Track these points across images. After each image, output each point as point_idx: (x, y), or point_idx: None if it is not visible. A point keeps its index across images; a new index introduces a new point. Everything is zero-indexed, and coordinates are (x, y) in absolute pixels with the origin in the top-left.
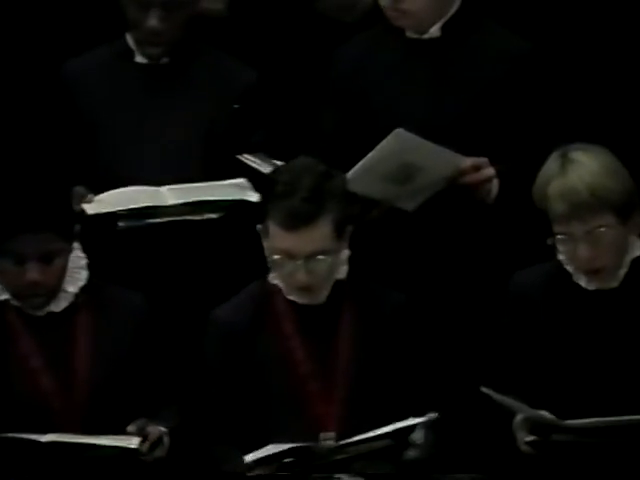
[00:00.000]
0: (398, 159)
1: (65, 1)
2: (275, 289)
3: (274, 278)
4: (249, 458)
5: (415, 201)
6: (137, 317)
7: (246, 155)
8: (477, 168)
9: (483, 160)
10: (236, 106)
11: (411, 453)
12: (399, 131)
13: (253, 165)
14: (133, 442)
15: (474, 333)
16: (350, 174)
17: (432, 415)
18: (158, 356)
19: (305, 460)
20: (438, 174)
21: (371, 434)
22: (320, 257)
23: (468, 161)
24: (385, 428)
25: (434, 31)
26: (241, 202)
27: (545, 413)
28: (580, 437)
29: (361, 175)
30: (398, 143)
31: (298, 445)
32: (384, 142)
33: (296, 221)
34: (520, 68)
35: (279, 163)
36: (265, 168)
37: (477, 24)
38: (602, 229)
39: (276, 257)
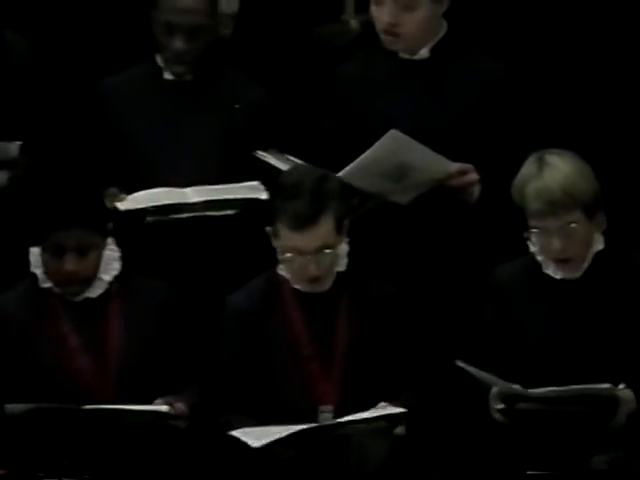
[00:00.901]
0: (393, 159)
1: (103, 25)
2: (282, 279)
3: (282, 270)
4: (256, 445)
5: (408, 196)
6: (162, 303)
7: (261, 152)
8: (463, 173)
9: (469, 166)
10: (237, 106)
11: (399, 430)
12: (394, 132)
13: (269, 161)
14: (163, 408)
15: (457, 319)
16: (347, 169)
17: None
18: (181, 337)
19: (310, 434)
20: (429, 175)
21: (366, 415)
22: (326, 251)
23: (456, 166)
24: (377, 412)
25: (423, 53)
26: (254, 201)
27: (513, 384)
28: (542, 405)
29: (357, 170)
30: (393, 143)
31: (300, 428)
32: (380, 141)
33: (302, 222)
34: (497, 88)
35: (292, 158)
36: (281, 165)
37: (461, 48)
38: (573, 224)
39: (288, 255)
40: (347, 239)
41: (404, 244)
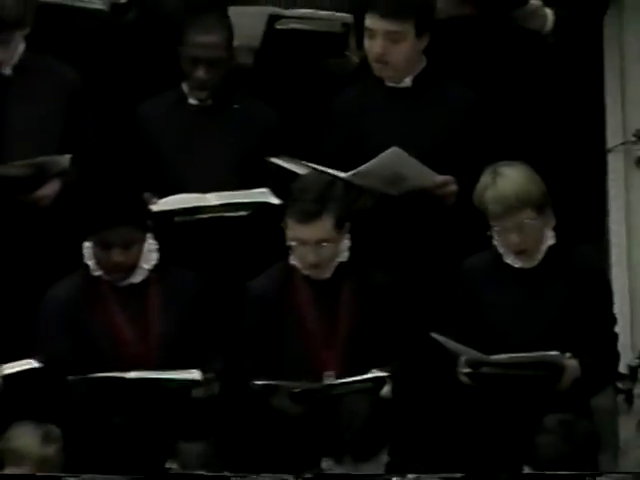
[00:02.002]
0: (391, 168)
1: (139, 59)
2: (294, 268)
3: (293, 260)
4: (258, 383)
5: (397, 191)
6: (193, 288)
7: (273, 159)
8: (446, 184)
9: (450, 178)
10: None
11: (384, 391)
12: (395, 149)
13: (284, 165)
14: (195, 375)
15: (435, 300)
16: (354, 172)
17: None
18: (208, 317)
19: (311, 392)
20: (419, 183)
21: (357, 378)
22: (324, 244)
23: (440, 178)
24: (367, 375)
25: (407, 81)
26: (264, 204)
27: (478, 352)
28: (503, 369)
29: (362, 174)
30: (393, 156)
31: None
32: (384, 154)
33: (306, 216)
34: (468, 113)
35: (303, 162)
36: (296, 168)
37: (439, 78)
38: (526, 221)
39: (293, 243)
40: (349, 235)
41: (394, 240)
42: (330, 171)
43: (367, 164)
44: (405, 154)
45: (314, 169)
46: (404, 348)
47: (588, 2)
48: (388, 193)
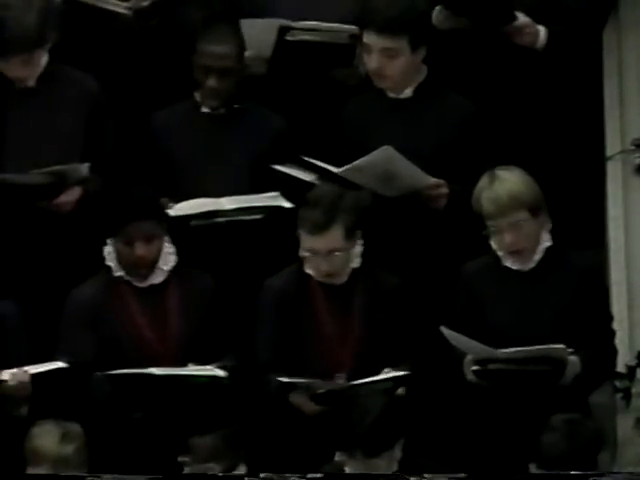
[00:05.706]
0: (384, 166)
1: (154, 70)
2: (309, 274)
3: (307, 269)
4: (285, 380)
5: (392, 193)
6: (209, 290)
7: (278, 166)
8: (437, 186)
9: (442, 181)
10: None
11: (399, 390)
12: (387, 147)
13: (291, 173)
14: (218, 372)
15: (441, 304)
16: (347, 167)
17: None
18: (224, 317)
19: (333, 394)
20: (410, 183)
21: (378, 377)
22: (336, 253)
23: (432, 180)
24: (389, 374)
25: (407, 92)
26: (276, 207)
27: (486, 346)
28: (510, 365)
29: (355, 169)
30: (385, 155)
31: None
32: (375, 152)
33: (316, 228)
34: (467, 122)
35: (312, 160)
36: (302, 175)
37: (438, 89)
38: (520, 222)
39: (305, 254)
40: (362, 242)
41: (394, 244)
42: (324, 166)
43: (359, 160)
44: (396, 153)
45: (311, 164)
46: (414, 348)
47: (588, 16)
48: (382, 194)
